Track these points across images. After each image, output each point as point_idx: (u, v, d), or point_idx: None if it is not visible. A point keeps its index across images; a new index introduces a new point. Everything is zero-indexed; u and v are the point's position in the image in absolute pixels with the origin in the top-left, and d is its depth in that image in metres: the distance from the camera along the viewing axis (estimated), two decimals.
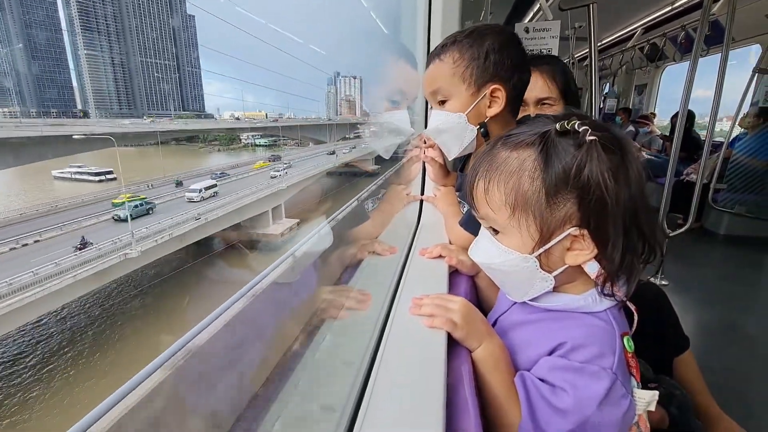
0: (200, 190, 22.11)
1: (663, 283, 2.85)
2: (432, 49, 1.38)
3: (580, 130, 0.57)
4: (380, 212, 1.33)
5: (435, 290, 0.79)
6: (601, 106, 7.60)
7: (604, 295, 0.61)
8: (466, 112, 0.96)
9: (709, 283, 3.13)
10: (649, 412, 1.15)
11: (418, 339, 0.65)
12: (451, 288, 0.91)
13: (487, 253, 0.66)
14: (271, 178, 25.34)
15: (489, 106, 0.95)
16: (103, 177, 37.18)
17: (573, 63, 4.43)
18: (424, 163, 1.31)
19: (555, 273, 0.61)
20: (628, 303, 0.64)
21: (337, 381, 0.65)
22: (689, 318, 2.52)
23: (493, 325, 0.77)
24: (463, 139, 0.99)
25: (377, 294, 0.81)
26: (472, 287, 0.96)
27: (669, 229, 3.06)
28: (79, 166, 39.68)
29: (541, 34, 2.13)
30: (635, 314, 0.65)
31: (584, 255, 0.59)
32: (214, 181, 24.46)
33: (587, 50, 2.17)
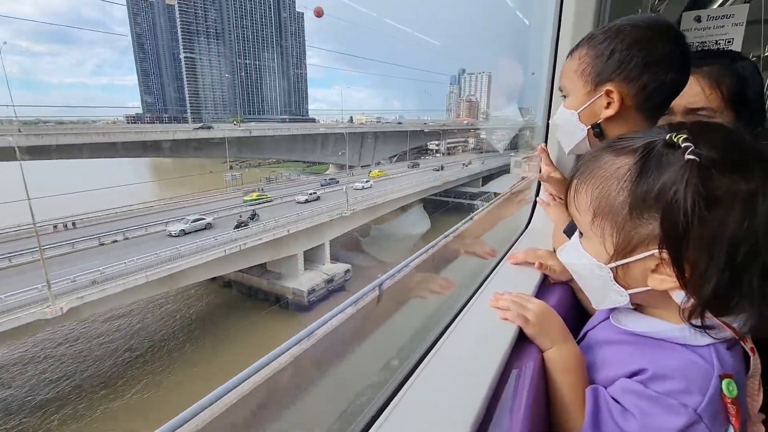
0: None
1: None
2: (561, 47, 1.36)
3: (683, 145, 0.51)
4: (489, 214, 1.37)
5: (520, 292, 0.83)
6: None
7: (695, 327, 0.56)
8: (578, 111, 0.94)
9: None
10: None
11: (485, 333, 0.73)
12: (542, 294, 0.92)
13: (570, 253, 0.67)
14: None
15: (606, 107, 0.89)
16: None
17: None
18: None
19: (632, 291, 0.59)
20: (743, 343, 0.58)
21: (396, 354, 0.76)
22: None
23: (583, 337, 0.77)
24: (573, 137, 0.97)
25: (461, 287, 0.89)
26: (568, 297, 0.95)
27: None
28: None
29: (719, 22, 1.76)
30: (752, 355, 0.59)
31: (670, 281, 0.54)
32: None
33: None
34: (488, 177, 37.91)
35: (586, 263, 0.63)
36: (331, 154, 39.43)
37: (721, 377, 0.53)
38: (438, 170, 36.98)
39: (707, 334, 0.55)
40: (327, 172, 41.90)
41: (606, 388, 0.61)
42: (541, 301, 0.76)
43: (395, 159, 46.87)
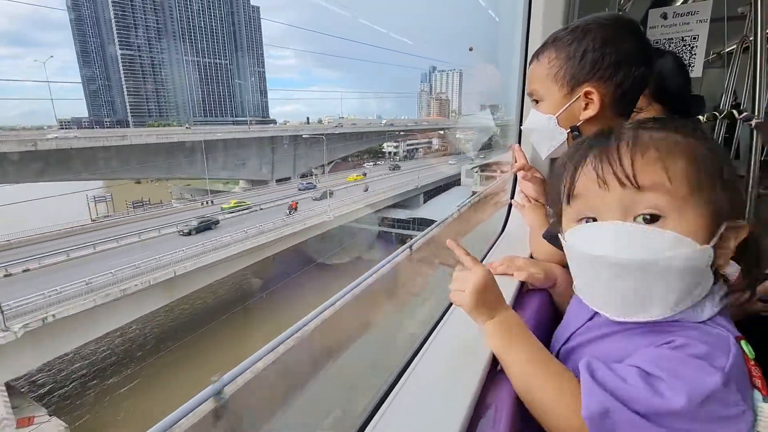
0: None
1: None
2: (531, 46, 1.33)
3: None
4: (461, 219, 1.32)
5: None
6: None
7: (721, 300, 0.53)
8: (556, 115, 0.92)
9: None
10: None
11: (461, 350, 0.66)
12: (521, 303, 0.88)
13: (650, 246, 0.51)
14: None
15: (585, 108, 0.89)
16: None
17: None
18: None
19: (727, 272, 0.54)
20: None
21: (372, 376, 0.69)
22: None
23: (566, 341, 0.69)
24: (552, 141, 0.96)
25: (435, 300, 0.82)
26: (546, 304, 0.90)
27: None
28: None
29: (684, 19, 1.77)
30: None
31: (729, 253, 0.52)
32: None
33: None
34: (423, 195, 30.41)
35: (684, 252, 0.50)
36: (228, 167, 29.46)
37: (737, 339, 0.51)
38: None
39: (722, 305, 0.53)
40: (235, 190, 34.27)
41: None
42: (481, 267, 0.68)
43: (330, 168, 37.69)
